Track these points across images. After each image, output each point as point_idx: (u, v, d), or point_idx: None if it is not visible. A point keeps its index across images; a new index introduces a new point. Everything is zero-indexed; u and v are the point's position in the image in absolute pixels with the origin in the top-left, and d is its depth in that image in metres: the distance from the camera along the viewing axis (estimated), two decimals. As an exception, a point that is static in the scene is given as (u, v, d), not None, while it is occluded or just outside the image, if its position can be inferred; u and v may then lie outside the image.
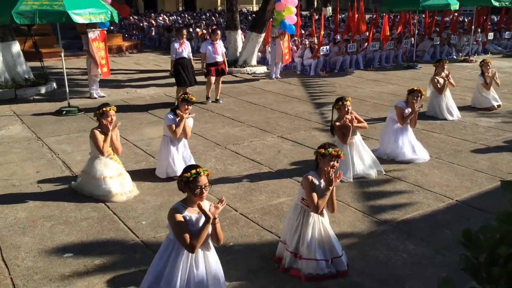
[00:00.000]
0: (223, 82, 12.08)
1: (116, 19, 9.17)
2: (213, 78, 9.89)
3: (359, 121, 5.77)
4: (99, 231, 4.55)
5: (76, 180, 5.59)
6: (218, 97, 10.14)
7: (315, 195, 3.56)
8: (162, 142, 5.86)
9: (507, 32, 18.36)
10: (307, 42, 13.67)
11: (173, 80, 9.88)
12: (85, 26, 10.95)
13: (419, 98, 6.30)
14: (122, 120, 8.55)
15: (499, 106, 9.16)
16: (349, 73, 13.69)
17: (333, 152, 3.59)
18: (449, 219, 4.74)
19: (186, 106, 5.66)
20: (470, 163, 6.31)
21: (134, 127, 8.18)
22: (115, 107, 5.34)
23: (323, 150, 3.62)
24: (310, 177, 3.64)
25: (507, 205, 0.85)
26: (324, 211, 3.76)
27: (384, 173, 5.92)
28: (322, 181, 3.65)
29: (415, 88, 6.39)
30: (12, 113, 9.12)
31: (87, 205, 5.10)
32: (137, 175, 5.86)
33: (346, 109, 5.62)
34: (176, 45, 9.36)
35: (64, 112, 8.95)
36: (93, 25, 10.13)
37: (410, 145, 6.39)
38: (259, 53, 15.04)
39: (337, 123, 5.68)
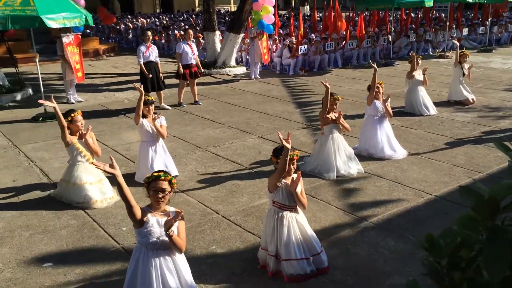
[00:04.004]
0: (203, 84, 12.06)
1: (91, 23, 9.04)
2: (183, 82, 9.74)
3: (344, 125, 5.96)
4: (79, 239, 4.49)
5: (55, 189, 5.51)
6: (196, 99, 10.06)
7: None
8: (141, 147, 5.80)
9: (481, 28, 18.72)
10: (288, 42, 13.71)
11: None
12: (59, 30, 10.76)
13: (381, 89, 6.55)
14: (100, 125, 8.47)
15: (473, 100, 9.33)
16: (328, 72, 13.78)
17: None
18: (429, 215, 4.81)
19: (148, 108, 5.62)
20: (447, 158, 6.41)
21: (113, 132, 8.09)
22: (80, 111, 5.30)
23: (275, 159, 3.76)
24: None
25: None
26: (299, 209, 3.80)
27: (364, 171, 5.98)
28: (284, 181, 3.72)
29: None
30: (-13, 121, 8.93)
31: (66, 213, 5.02)
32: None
33: (334, 105, 5.87)
34: (143, 48, 9.14)
35: (41, 119, 8.80)
36: (67, 30, 9.97)
37: (388, 142, 6.48)
38: (241, 53, 15.03)
39: (326, 115, 5.86)
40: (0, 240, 4.48)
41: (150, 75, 9.21)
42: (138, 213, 3.04)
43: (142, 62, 9.16)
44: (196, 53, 9.85)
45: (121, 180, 2.96)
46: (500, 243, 0.80)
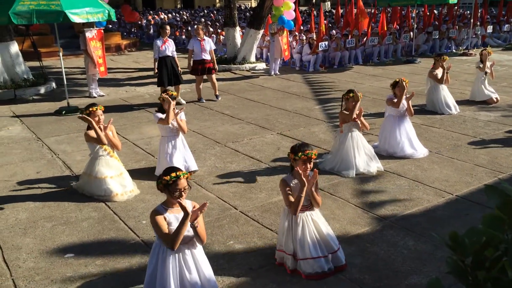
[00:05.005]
0: (222, 79, 12.09)
1: (114, 18, 9.15)
2: (199, 77, 9.73)
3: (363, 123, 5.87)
4: (99, 231, 4.56)
5: (77, 181, 5.61)
6: (216, 93, 10.05)
7: (290, 198, 3.63)
8: (161, 142, 5.85)
9: (506, 25, 18.30)
10: (304, 38, 13.64)
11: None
12: (82, 25, 10.93)
13: (404, 89, 6.32)
14: (121, 119, 8.58)
15: (497, 99, 9.14)
16: (348, 69, 13.67)
17: (303, 156, 3.59)
18: (449, 215, 4.75)
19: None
20: (469, 157, 6.31)
21: (134, 126, 8.19)
22: (102, 107, 5.31)
23: (293, 156, 3.66)
24: (284, 180, 3.71)
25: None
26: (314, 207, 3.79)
27: (383, 169, 5.93)
28: (295, 181, 3.68)
29: (397, 80, 6.41)
30: (12, 114, 9.13)
31: (87, 205, 5.12)
32: (137, 174, 5.87)
33: (354, 103, 5.72)
34: (159, 43, 9.16)
35: (64, 112, 8.95)
36: (90, 24, 10.11)
37: (409, 140, 6.41)
38: (262, 49, 15.02)
39: (344, 111, 5.80)
40: (23, 231, 4.59)
41: (156, 71, 9.31)
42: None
43: (157, 57, 9.22)
44: (209, 48, 9.61)
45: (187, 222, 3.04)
46: (527, 243, 0.79)
